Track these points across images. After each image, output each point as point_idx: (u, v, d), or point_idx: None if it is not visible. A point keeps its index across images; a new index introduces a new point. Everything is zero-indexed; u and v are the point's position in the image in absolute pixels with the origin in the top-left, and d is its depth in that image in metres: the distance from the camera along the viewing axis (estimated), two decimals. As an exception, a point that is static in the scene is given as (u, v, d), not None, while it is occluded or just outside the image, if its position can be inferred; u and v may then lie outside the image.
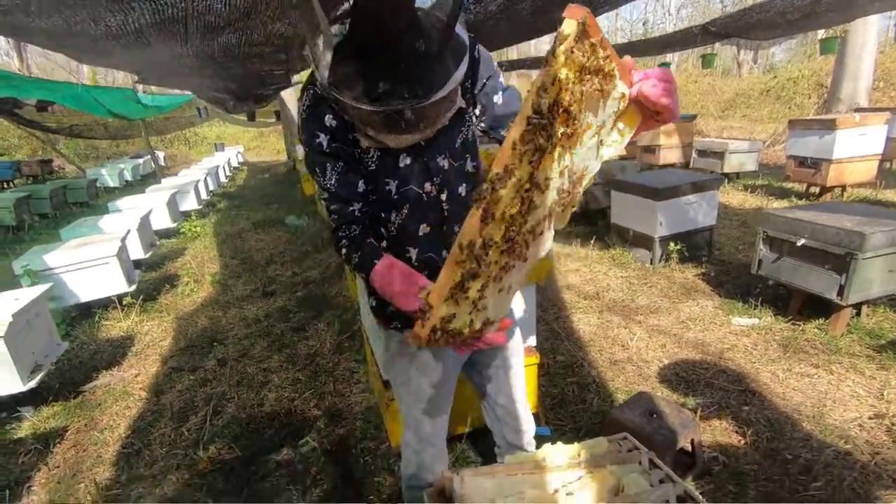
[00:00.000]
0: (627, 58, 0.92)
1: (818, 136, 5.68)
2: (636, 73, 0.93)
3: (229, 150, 17.17)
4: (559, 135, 0.87)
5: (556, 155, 0.89)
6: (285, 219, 7.15)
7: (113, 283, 3.99)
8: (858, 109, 7.99)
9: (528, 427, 1.63)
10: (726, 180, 7.26)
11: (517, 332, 1.58)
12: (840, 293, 2.74)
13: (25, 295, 2.88)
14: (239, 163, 17.44)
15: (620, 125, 0.96)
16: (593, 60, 0.86)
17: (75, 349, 3.61)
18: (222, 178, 12.43)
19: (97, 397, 3.00)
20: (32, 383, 2.71)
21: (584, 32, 0.84)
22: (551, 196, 0.94)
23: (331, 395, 2.79)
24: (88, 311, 4.13)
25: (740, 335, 3.07)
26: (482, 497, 1.23)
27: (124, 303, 4.15)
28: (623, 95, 0.93)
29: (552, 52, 0.83)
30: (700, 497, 1.21)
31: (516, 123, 0.87)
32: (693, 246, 4.30)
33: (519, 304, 2.10)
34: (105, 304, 4.20)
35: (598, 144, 0.96)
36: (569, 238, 5.17)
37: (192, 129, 19.72)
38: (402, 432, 1.52)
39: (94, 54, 3.23)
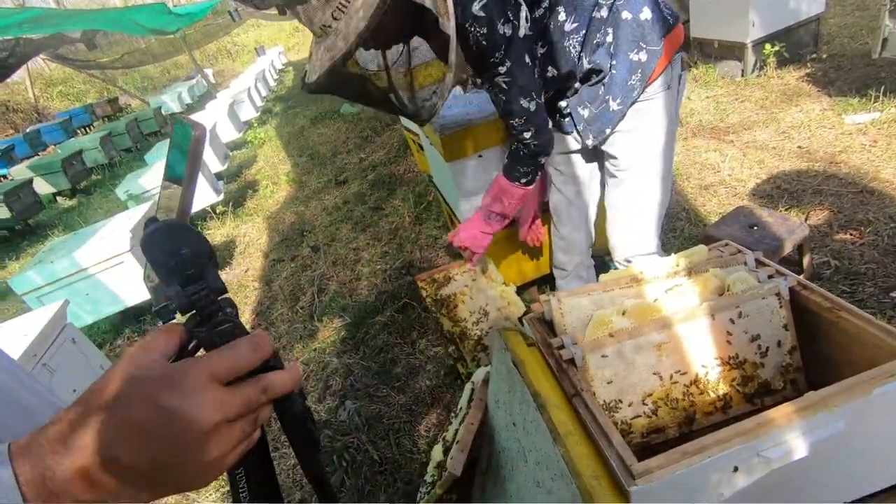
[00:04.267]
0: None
1: None
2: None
3: (270, 52, 16.76)
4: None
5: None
6: (340, 109, 7.07)
7: (202, 194, 4.29)
8: None
9: (624, 248, 1.61)
10: (837, -43, 5.91)
11: (636, 153, 1.45)
12: None
13: (135, 213, 3.18)
14: (283, 64, 17.11)
15: None
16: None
17: (190, 257, 4.05)
18: (271, 82, 12.34)
19: (220, 292, 3.40)
20: (165, 287, 3.11)
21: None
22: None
23: (419, 262, 2.93)
24: (192, 224, 4.54)
25: (856, 134, 2.70)
26: (580, 314, 1.26)
27: (217, 211, 4.48)
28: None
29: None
30: (815, 286, 1.15)
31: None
32: (795, 44, 3.68)
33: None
34: (202, 216, 4.57)
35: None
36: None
37: (230, 37, 19.32)
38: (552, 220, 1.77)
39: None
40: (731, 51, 3.79)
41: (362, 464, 1.83)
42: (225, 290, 0.48)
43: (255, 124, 7.82)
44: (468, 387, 1.47)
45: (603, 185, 1.61)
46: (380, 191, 4.06)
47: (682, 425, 1.18)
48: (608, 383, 1.15)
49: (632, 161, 1.45)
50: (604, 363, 1.14)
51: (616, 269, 1.64)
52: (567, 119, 1.45)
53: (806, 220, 2.18)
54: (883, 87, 2.90)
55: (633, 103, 1.35)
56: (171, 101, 12.47)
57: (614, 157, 1.46)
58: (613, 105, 1.36)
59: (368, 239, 3.39)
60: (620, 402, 1.16)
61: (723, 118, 3.35)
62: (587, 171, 1.56)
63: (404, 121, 3.44)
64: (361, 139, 5.59)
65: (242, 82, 9.71)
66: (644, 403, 1.15)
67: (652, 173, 1.45)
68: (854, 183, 2.36)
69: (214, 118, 6.37)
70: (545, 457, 0.99)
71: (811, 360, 1.18)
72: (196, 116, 6.87)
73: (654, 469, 0.87)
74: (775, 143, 2.89)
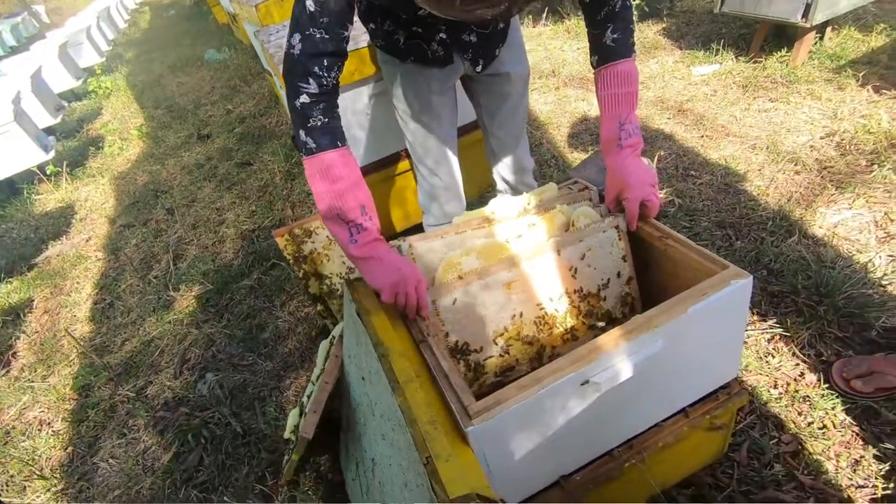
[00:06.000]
0: None
1: None
2: None
3: (118, -13, 14.36)
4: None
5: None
6: (204, 55, 6.28)
7: (24, 152, 3.58)
8: None
9: (528, 164, 1.64)
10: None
11: (519, 62, 1.46)
12: (805, 14, 2.53)
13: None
14: (136, 3, 14.81)
15: None
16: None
17: (14, 227, 3.40)
18: (120, 24, 10.62)
19: (53, 267, 2.90)
20: (-27, 263, 2.57)
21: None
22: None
23: (290, 220, 2.72)
24: (13, 189, 3.80)
25: (700, 84, 2.93)
26: (433, 257, 1.21)
27: (48, 172, 3.79)
28: None
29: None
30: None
31: None
32: (654, -1, 3.88)
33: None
34: (29, 179, 3.86)
35: None
36: (520, 18, 4.62)
37: (64, -32, 16.18)
38: (415, 167, 1.60)
39: None
40: (599, 3, 3.90)
41: (223, 438, 1.68)
42: None
43: (100, 71, 6.70)
44: (324, 344, 1.37)
45: (481, 119, 1.57)
46: (248, 145, 3.69)
47: (533, 361, 1.20)
48: (459, 326, 1.12)
49: (519, 72, 1.45)
50: (454, 306, 1.10)
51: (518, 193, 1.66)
52: (443, 49, 1.30)
53: (656, 162, 2.34)
54: (722, 41, 3.17)
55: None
56: (-14, 43, 10.25)
57: (499, 75, 1.43)
58: (501, 23, 1.32)
59: (234, 198, 3.08)
60: (473, 343, 1.13)
61: (590, 69, 3.46)
62: (449, 108, 1.48)
63: (266, 64, 3.10)
64: (228, 89, 5.02)
65: (81, 20, 8.21)
66: (496, 343, 1.14)
67: (528, 82, 1.50)
68: (697, 128, 2.58)
69: (40, 62, 5.31)
70: (387, 408, 0.93)
71: (647, 288, 1.25)
72: (14, 60, 5.70)
73: (492, 406, 0.85)
74: (635, 93, 3.05)
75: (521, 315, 1.16)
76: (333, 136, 1.00)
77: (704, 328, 0.97)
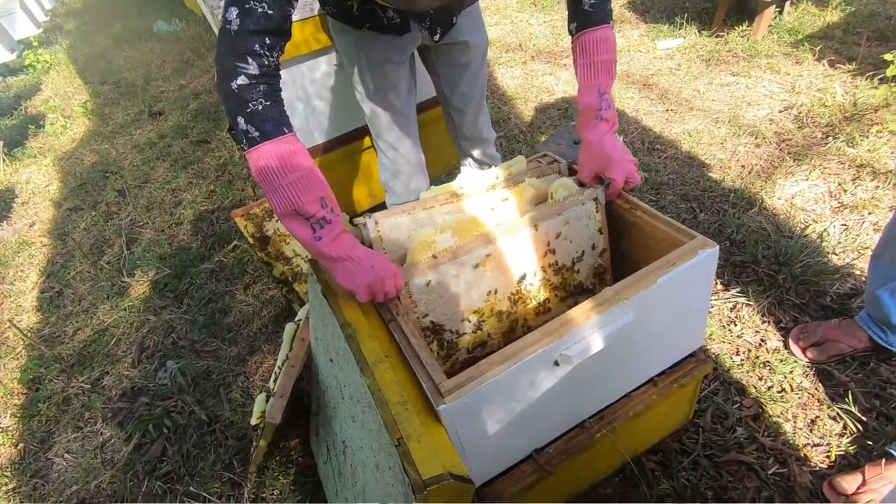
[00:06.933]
0: None
1: None
2: None
3: (54, -47, 13.28)
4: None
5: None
6: (153, 26, 5.90)
7: (-46, 131, 3.30)
8: None
9: (490, 135, 1.63)
10: None
11: (477, 30, 1.42)
12: (766, -13, 2.56)
13: None
14: (75, -30, 13.74)
15: None
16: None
17: (-53, 213, 3.15)
18: (59, -8, 9.84)
19: (-7, 254, 2.71)
20: None
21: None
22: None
23: (251, 200, 2.61)
24: (-56, 172, 3.51)
25: (665, 59, 2.94)
26: (400, 234, 1.17)
27: (-17, 153, 3.52)
28: None
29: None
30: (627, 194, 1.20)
31: None
32: (619, -28, 3.85)
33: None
34: (-38, 161, 3.57)
35: None
36: (485, -10, 4.52)
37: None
38: (375, 142, 1.54)
39: None
40: (565, -25, 3.84)
41: (187, 427, 1.62)
42: None
43: (37, 44, 6.22)
44: (290, 326, 1.32)
45: (440, 91, 1.54)
46: (204, 122, 3.51)
47: (506, 334, 1.19)
48: (433, 306, 1.09)
49: (477, 41, 1.42)
50: (428, 286, 1.07)
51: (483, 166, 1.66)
52: (399, 16, 1.24)
53: (622, 137, 2.35)
54: (686, 15, 3.18)
55: None
56: None
57: (457, 44, 1.39)
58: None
59: (191, 177, 2.93)
60: (447, 323, 1.11)
61: (557, 42, 3.44)
62: (407, 80, 1.42)
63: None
64: (181, 63, 4.74)
65: (13, -11, 7.55)
66: (468, 320, 1.12)
67: (486, 52, 1.48)
68: (662, 102, 2.59)
69: (-32, 32, 4.88)
70: (356, 390, 0.90)
71: (618, 258, 1.25)
72: (-61, 30, 5.21)
73: (464, 383, 0.83)
74: (601, 67, 3.04)
75: (496, 292, 1.14)
76: (278, 121, 0.88)
77: (673, 298, 0.97)
